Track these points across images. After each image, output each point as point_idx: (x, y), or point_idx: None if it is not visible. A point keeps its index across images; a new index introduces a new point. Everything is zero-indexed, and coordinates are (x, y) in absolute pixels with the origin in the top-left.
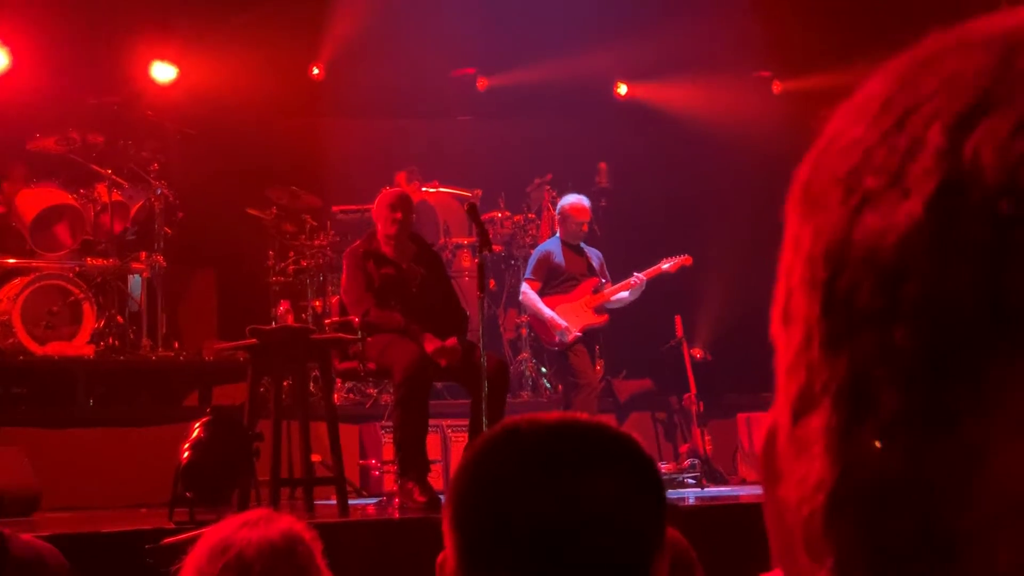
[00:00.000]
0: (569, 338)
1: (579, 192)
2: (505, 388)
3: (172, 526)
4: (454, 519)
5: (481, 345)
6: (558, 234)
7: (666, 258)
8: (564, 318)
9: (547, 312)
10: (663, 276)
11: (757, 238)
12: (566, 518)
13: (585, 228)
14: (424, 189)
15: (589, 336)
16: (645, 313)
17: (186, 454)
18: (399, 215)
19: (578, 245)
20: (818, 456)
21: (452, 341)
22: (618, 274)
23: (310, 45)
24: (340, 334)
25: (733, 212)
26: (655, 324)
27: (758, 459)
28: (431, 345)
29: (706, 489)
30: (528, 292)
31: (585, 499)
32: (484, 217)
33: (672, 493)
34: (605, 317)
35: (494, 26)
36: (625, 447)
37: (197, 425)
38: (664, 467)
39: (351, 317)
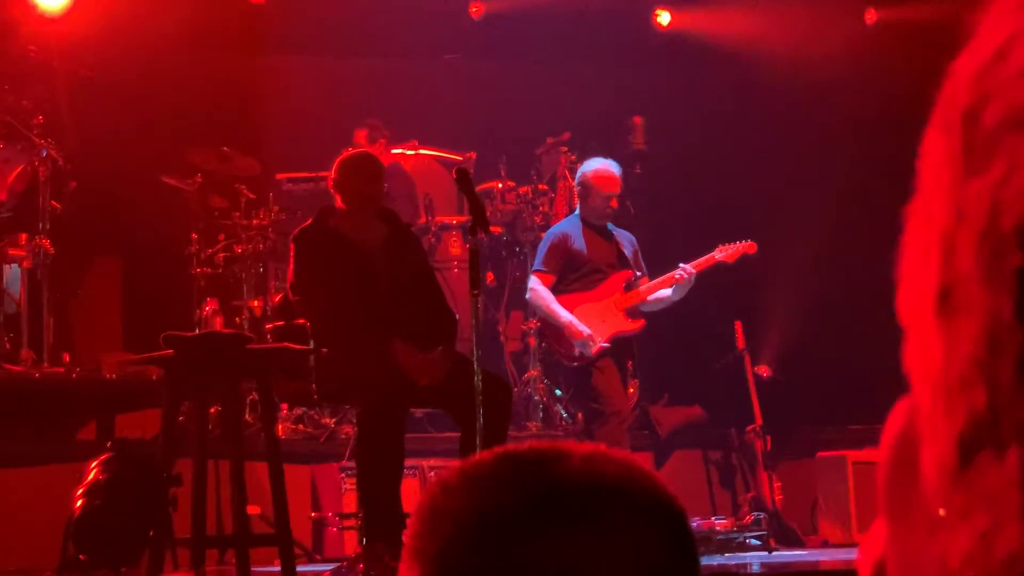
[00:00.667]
0: (593, 350)
1: (606, 156)
2: (507, 417)
3: None
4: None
5: (475, 359)
6: (577, 211)
7: (722, 245)
8: (587, 323)
9: (563, 315)
10: (718, 268)
11: (845, 216)
12: None
13: (614, 203)
14: (397, 151)
15: (619, 348)
16: (694, 318)
17: (80, 503)
18: (369, 186)
19: (604, 226)
20: (1010, 512)
21: (435, 354)
22: (657, 266)
23: None
24: (286, 344)
25: (812, 182)
26: (707, 332)
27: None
28: (408, 359)
29: (775, 553)
30: (538, 289)
31: (585, 570)
32: (479, 188)
33: (730, 558)
34: (641, 323)
35: None
36: (648, 497)
37: (94, 465)
38: (719, 523)
39: (300, 320)
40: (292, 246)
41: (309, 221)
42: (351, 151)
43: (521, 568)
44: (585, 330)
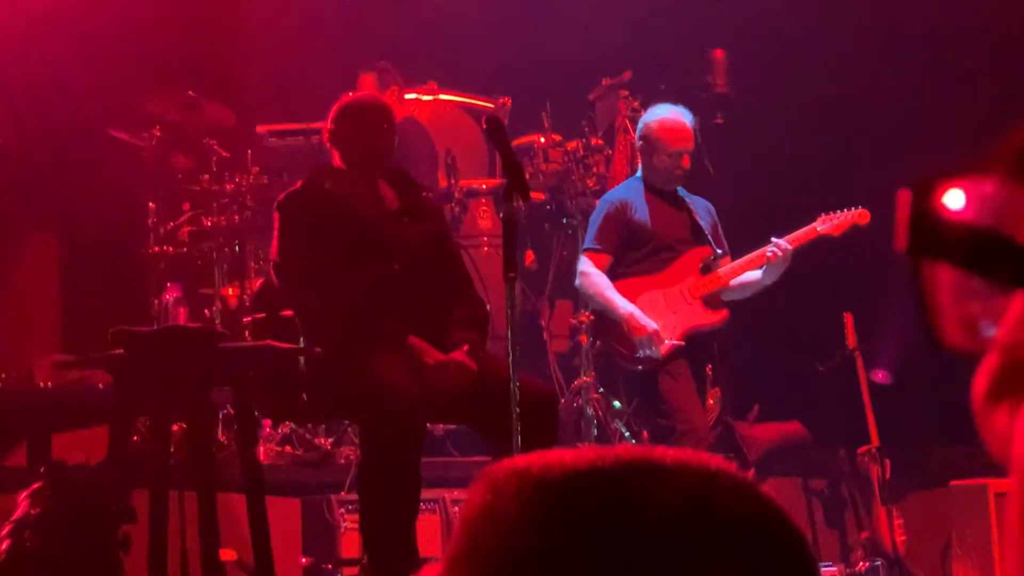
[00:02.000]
0: (662, 350)
1: (676, 102)
2: (552, 434)
3: None
4: None
5: (512, 362)
6: (639, 173)
7: (825, 214)
8: (653, 315)
9: (623, 305)
10: (821, 244)
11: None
12: None
13: (685, 163)
14: (411, 97)
15: (696, 347)
16: (791, 309)
17: (5, 545)
18: (376, 138)
19: (674, 192)
20: None
21: (460, 354)
22: (744, 242)
23: None
24: (269, 342)
25: (947, 135)
26: (808, 327)
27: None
28: (427, 361)
29: None
30: (590, 272)
31: None
32: (516, 144)
33: None
34: (723, 314)
35: None
36: (776, 535)
37: (25, 496)
38: (825, 572)
39: (286, 312)
40: (276, 216)
41: (298, 184)
42: (353, 95)
43: None
44: (651, 324)
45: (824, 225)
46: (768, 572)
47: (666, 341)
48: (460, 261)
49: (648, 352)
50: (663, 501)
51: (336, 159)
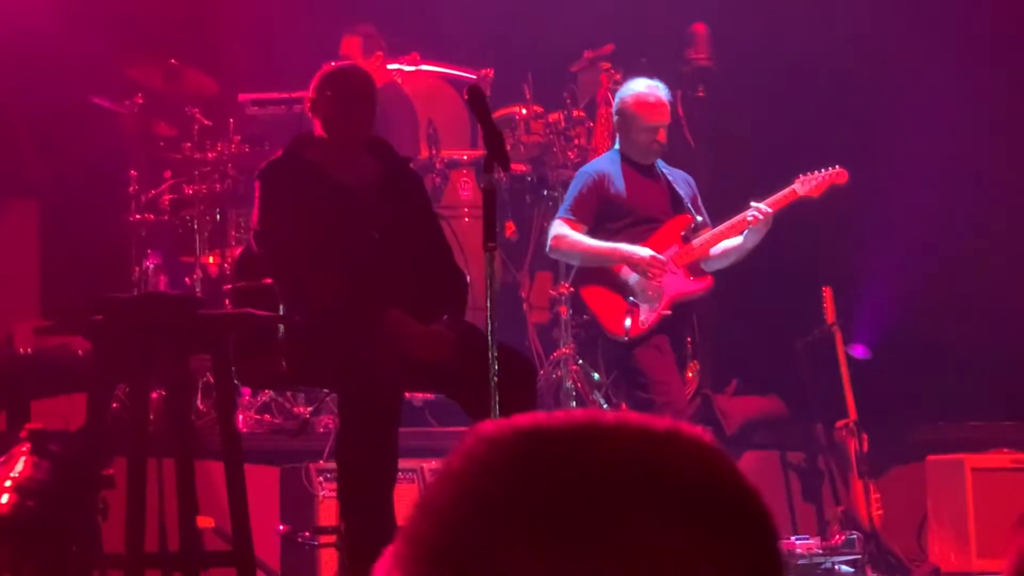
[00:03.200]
0: (664, 297)
1: (656, 75)
2: (531, 402)
3: None
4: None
5: (491, 332)
6: (617, 147)
7: (802, 175)
8: (639, 288)
9: (605, 244)
10: (799, 207)
11: (971, 146)
12: None
13: (661, 137)
14: (393, 68)
15: (677, 320)
16: (769, 282)
17: None
18: (357, 108)
19: (652, 166)
20: None
21: (440, 325)
22: (724, 212)
23: None
24: (249, 310)
25: (929, 104)
26: (787, 301)
27: None
28: (406, 332)
29: None
30: (566, 234)
31: None
32: (497, 115)
33: None
34: (708, 281)
35: None
36: (729, 497)
37: (2, 461)
38: (801, 545)
39: (267, 281)
40: (258, 184)
41: (279, 153)
42: (335, 64)
43: None
44: (645, 251)
45: (802, 186)
46: (718, 535)
47: (666, 268)
48: (440, 232)
49: (649, 297)
50: (606, 458)
51: (317, 128)
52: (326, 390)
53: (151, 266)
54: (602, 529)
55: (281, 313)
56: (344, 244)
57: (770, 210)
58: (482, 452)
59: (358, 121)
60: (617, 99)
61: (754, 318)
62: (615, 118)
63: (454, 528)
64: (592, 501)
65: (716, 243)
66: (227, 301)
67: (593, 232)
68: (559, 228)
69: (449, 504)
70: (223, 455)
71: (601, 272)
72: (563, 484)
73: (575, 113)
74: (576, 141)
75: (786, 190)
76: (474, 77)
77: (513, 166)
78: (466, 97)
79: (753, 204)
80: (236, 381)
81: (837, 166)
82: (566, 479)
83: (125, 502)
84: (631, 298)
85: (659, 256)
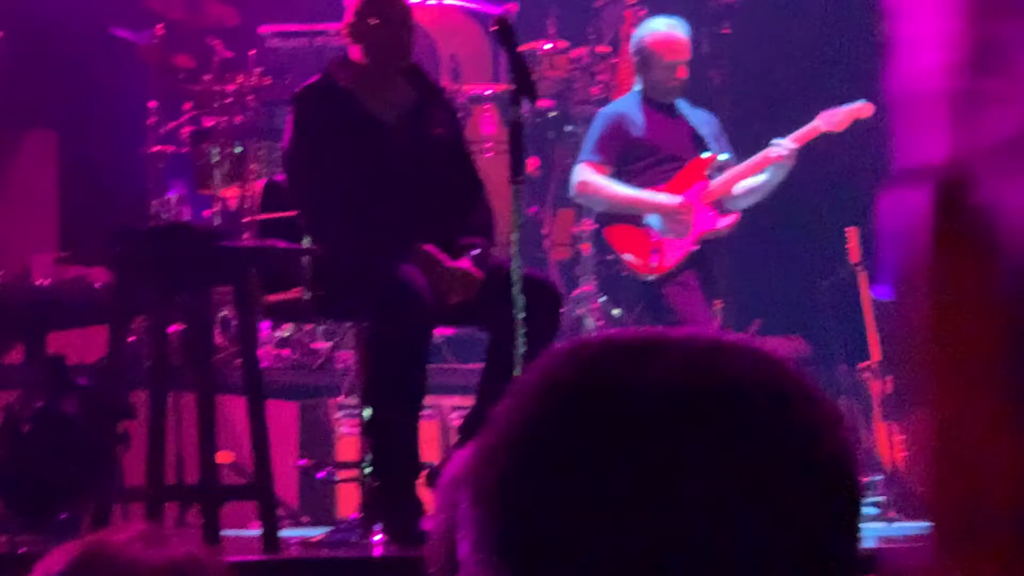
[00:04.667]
0: (691, 233)
1: (680, 11)
2: (553, 327)
3: None
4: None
5: (515, 269)
6: (638, 87)
7: (826, 110)
8: (666, 225)
9: (631, 191)
10: (823, 142)
11: None
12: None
13: (680, 74)
14: (415, 1)
15: (704, 255)
16: (792, 222)
17: (2, 445)
18: (399, 32)
19: (673, 105)
20: None
21: (467, 260)
22: (749, 149)
23: None
24: (271, 241)
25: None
26: (810, 241)
27: None
28: (435, 268)
29: (894, 524)
30: (591, 180)
31: (717, 511)
32: (520, 50)
33: None
34: (735, 217)
35: None
36: (815, 427)
37: (19, 396)
38: None
39: (292, 211)
40: (291, 110)
41: (316, 77)
42: None
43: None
44: (672, 199)
45: (826, 122)
46: (782, 440)
47: (690, 211)
48: (473, 165)
49: (673, 232)
50: (667, 365)
51: (355, 53)
52: (351, 322)
53: (174, 197)
54: (662, 457)
55: (305, 246)
56: (375, 175)
57: (794, 146)
58: (550, 368)
59: (403, 47)
60: (635, 38)
61: (777, 258)
62: (634, 58)
63: (520, 442)
64: (652, 428)
65: (740, 180)
66: (246, 234)
67: (616, 173)
68: (584, 173)
69: (518, 420)
70: (245, 389)
71: None
72: (624, 402)
73: (599, 49)
74: (600, 77)
75: (809, 125)
76: (498, 11)
77: (537, 100)
78: (494, 27)
79: (775, 141)
80: (257, 315)
81: (862, 100)
82: (627, 397)
83: (144, 435)
84: (657, 234)
85: (687, 203)
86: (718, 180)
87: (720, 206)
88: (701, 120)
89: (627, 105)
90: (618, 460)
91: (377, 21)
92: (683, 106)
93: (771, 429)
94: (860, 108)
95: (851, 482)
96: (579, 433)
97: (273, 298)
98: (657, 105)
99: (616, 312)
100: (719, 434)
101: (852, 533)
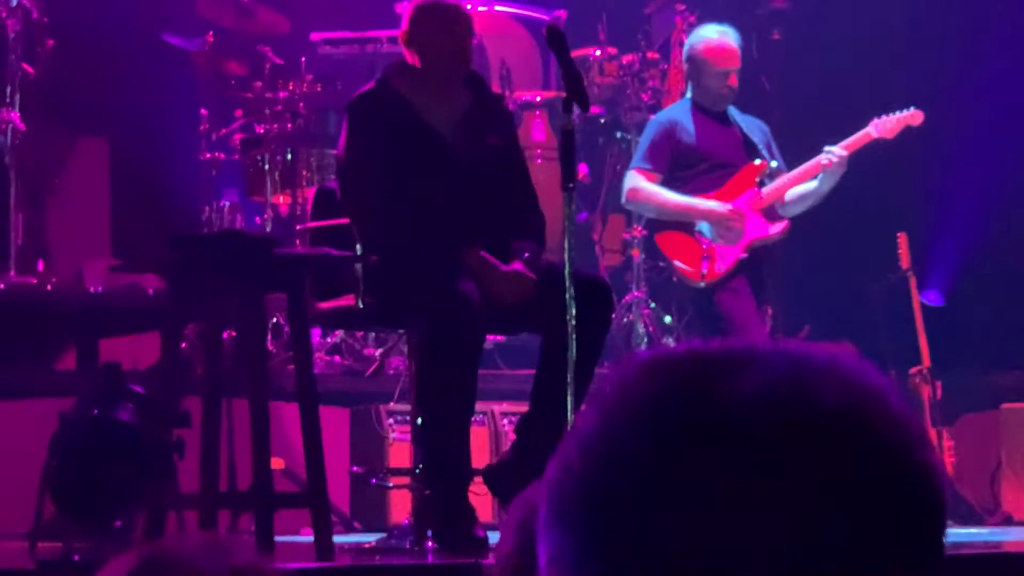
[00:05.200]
0: (741, 240)
1: (733, 17)
2: (605, 322)
3: (33, 567)
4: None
5: (568, 276)
6: (689, 94)
7: (877, 118)
8: (715, 230)
9: (683, 199)
10: (873, 149)
11: None
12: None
13: (733, 82)
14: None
15: (755, 261)
16: (843, 226)
17: (56, 451)
18: (461, 39)
19: (724, 112)
20: None
21: (520, 264)
22: (800, 157)
23: None
24: (324, 249)
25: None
26: (860, 245)
27: None
28: (488, 273)
29: (947, 530)
30: (642, 187)
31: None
32: (573, 55)
33: None
34: (784, 224)
35: None
36: (899, 445)
37: (75, 402)
38: None
39: (345, 219)
40: (347, 115)
41: (371, 84)
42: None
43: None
44: (723, 206)
45: (877, 129)
46: (861, 465)
47: (743, 219)
48: (526, 172)
49: (725, 239)
50: (756, 379)
51: (411, 60)
52: (402, 330)
53: (227, 204)
54: (755, 464)
55: (360, 253)
56: (426, 185)
57: (845, 153)
58: (632, 379)
59: (464, 55)
60: (687, 46)
61: (828, 263)
62: (685, 65)
63: (601, 458)
64: (745, 434)
65: (791, 187)
66: (297, 241)
67: (667, 180)
68: (634, 180)
69: (596, 432)
70: (298, 396)
71: None
72: (713, 410)
73: (649, 55)
74: (650, 83)
75: (861, 132)
76: (547, 18)
77: (588, 108)
78: (545, 34)
79: (827, 148)
80: (310, 322)
81: (913, 107)
82: (716, 404)
83: (199, 441)
84: (707, 241)
85: (738, 210)
86: (769, 187)
87: (771, 213)
88: (752, 127)
89: (679, 112)
90: (709, 472)
91: (441, 29)
92: (734, 113)
93: (861, 445)
94: (912, 115)
95: (937, 498)
96: (670, 447)
97: (324, 305)
98: (709, 112)
99: (668, 319)
100: (813, 447)
101: (937, 547)
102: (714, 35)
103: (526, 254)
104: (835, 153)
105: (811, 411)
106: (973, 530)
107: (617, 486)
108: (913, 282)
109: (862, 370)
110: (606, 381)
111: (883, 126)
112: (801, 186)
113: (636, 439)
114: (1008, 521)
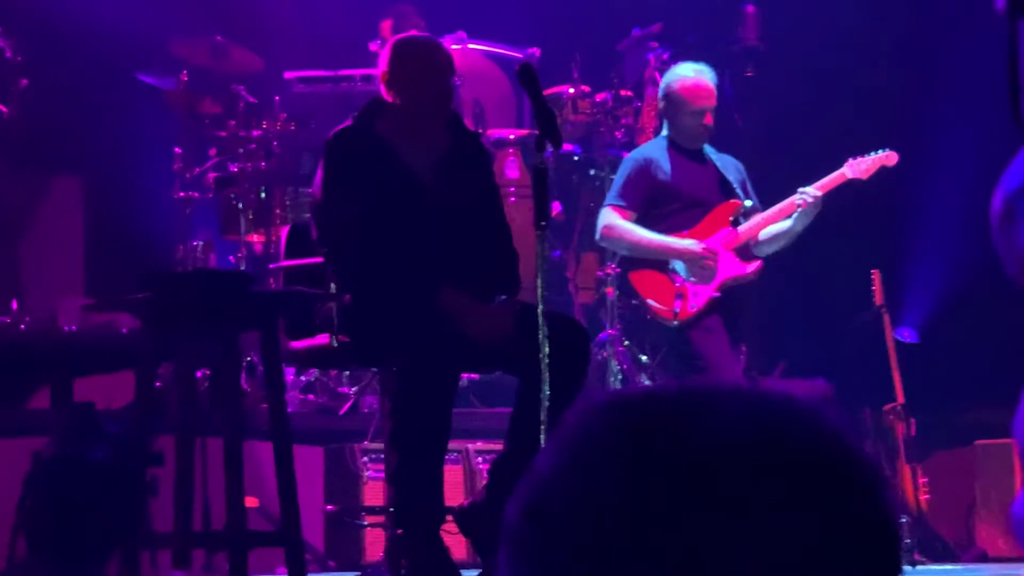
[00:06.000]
0: (715, 280)
1: (707, 55)
2: (583, 364)
3: None
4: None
5: (541, 313)
6: (664, 132)
7: (852, 159)
8: (688, 269)
9: (656, 237)
10: (847, 189)
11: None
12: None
13: (708, 120)
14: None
15: (729, 300)
16: (817, 265)
17: (30, 491)
18: (442, 79)
19: (700, 150)
20: None
21: (499, 304)
22: (775, 197)
23: None
24: (299, 288)
25: (977, 86)
26: (835, 283)
27: None
28: (465, 311)
29: (919, 568)
30: (616, 224)
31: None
32: (545, 94)
33: None
34: (757, 264)
35: None
36: (846, 471)
37: (48, 442)
38: None
39: (318, 257)
40: (324, 154)
41: (349, 121)
42: (408, 35)
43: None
44: (696, 245)
45: (852, 169)
46: (824, 505)
47: (716, 257)
48: (501, 212)
49: (697, 278)
50: (725, 427)
51: (391, 99)
52: (373, 370)
53: (200, 244)
54: (727, 502)
55: (332, 291)
56: (403, 224)
57: (819, 193)
58: (594, 422)
59: (447, 95)
60: (663, 84)
61: (802, 301)
62: (661, 103)
63: (564, 501)
64: (715, 472)
65: (765, 227)
66: (271, 280)
67: (642, 218)
68: (609, 217)
69: (560, 476)
70: (272, 435)
71: None
72: (681, 454)
73: (622, 92)
74: (623, 121)
75: (835, 173)
76: (521, 56)
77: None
78: (518, 72)
79: (801, 189)
80: (283, 361)
81: (887, 148)
82: (683, 448)
83: (173, 480)
84: (681, 279)
85: (711, 249)
86: (743, 226)
87: (745, 252)
88: (727, 165)
89: (654, 150)
90: (679, 511)
91: (421, 68)
92: (710, 151)
93: (822, 486)
94: (886, 156)
95: (893, 535)
96: (649, 494)
97: (298, 344)
98: (684, 150)
99: (643, 358)
100: (778, 486)
101: None
102: (690, 73)
103: (503, 296)
104: (809, 194)
105: (775, 454)
106: (948, 567)
107: (598, 534)
108: (887, 319)
109: (819, 411)
110: (567, 425)
111: (858, 167)
112: (775, 225)
113: (612, 485)
114: (983, 558)
